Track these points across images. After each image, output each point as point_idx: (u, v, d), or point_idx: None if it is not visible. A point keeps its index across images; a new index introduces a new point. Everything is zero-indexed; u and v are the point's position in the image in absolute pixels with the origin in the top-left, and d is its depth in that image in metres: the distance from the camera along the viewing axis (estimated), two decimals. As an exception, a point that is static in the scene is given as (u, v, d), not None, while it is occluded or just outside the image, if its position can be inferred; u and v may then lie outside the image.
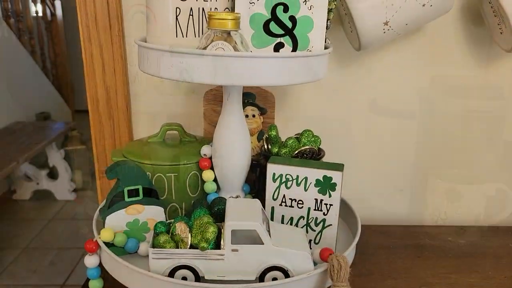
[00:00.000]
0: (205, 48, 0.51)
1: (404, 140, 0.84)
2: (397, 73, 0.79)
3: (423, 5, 0.64)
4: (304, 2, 0.55)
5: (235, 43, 0.52)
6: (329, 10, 0.61)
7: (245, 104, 0.72)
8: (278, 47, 0.56)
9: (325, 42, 0.61)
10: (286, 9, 0.55)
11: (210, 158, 0.65)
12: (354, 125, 0.83)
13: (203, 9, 0.55)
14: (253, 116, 0.73)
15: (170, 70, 0.52)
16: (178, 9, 0.55)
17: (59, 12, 3.20)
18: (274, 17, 0.55)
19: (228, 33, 0.52)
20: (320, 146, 0.68)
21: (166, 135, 0.70)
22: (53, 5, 3.12)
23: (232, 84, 0.51)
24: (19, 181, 2.53)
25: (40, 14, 3.06)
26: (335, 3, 0.62)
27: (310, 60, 0.54)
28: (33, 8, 2.98)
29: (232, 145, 0.61)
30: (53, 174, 2.59)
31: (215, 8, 0.56)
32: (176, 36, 0.56)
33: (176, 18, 0.55)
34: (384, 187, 0.86)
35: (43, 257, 2.02)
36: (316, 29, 0.56)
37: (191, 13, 0.55)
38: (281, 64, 0.52)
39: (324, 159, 0.68)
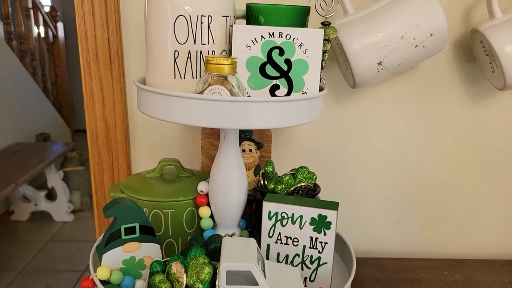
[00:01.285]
0: (202, 92, 0.53)
1: (399, 173, 0.84)
2: (391, 108, 0.81)
3: (416, 46, 0.66)
4: (299, 46, 0.56)
5: (232, 86, 0.54)
6: (324, 52, 0.62)
7: (241, 139, 0.73)
8: (273, 89, 0.58)
9: (320, 81, 0.62)
10: (281, 52, 0.56)
11: (207, 194, 0.66)
12: (350, 158, 0.84)
13: (201, 52, 0.57)
14: (250, 150, 0.74)
15: (168, 112, 0.53)
16: (176, 52, 0.56)
17: (61, 33, 3.24)
18: (270, 60, 0.57)
19: (225, 77, 0.53)
20: (316, 182, 0.69)
21: (164, 170, 0.71)
22: (55, 27, 3.16)
23: (228, 127, 0.52)
24: (17, 202, 2.53)
25: (42, 35, 3.10)
26: (330, 44, 0.63)
27: (305, 103, 0.55)
28: (35, 30, 3.02)
29: (229, 183, 0.62)
30: (51, 195, 2.59)
31: (213, 51, 0.57)
32: (174, 78, 0.57)
33: (175, 61, 0.57)
34: (380, 220, 0.87)
35: (39, 280, 2.01)
36: (311, 72, 0.57)
37: (189, 56, 0.57)
38: (276, 108, 0.53)
39: (321, 194, 0.69)
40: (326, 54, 0.63)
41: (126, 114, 0.81)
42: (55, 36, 3.18)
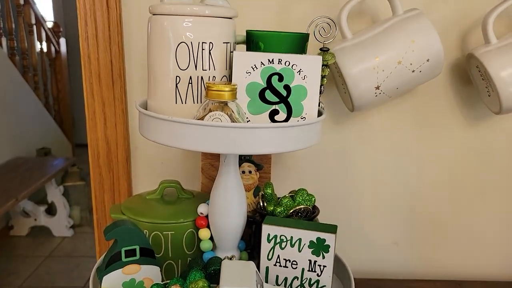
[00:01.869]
0: (203, 117, 0.54)
1: (398, 195, 0.85)
2: (389, 131, 0.82)
3: (413, 71, 0.67)
4: (298, 72, 0.58)
5: (232, 111, 0.55)
6: (323, 77, 0.63)
7: (241, 161, 0.74)
8: (273, 114, 0.59)
9: (319, 106, 0.63)
10: (281, 78, 0.58)
11: (207, 216, 0.66)
12: (348, 180, 0.84)
13: (201, 77, 0.58)
14: (250, 172, 0.75)
15: (169, 137, 0.54)
16: (178, 77, 0.58)
17: (63, 49, 3.27)
18: (269, 85, 0.58)
19: (225, 103, 0.54)
20: (315, 204, 0.70)
21: (164, 191, 0.72)
22: (57, 42, 3.19)
23: (228, 153, 0.53)
24: (17, 217, 2.53)
25: (45, 50, 3.13)
26: (328, 70, 0.65)
27: (304, 128, 0.56)
28: (38, 46, 3.05)
29: (229, 206, 0.63)
30: (51, 210, 2.59)
31: (213, 76, 0.58)
32: (176, 103, 0.58)
33: (176, 86, 0.58)
34: (380, 240, 0.87)
35: (37, 296, 2.00)
36: (310, 97, 0.58)
37: (190, 81, 0.58)
38: (276, 133, 0.54)
39: (320, 215, 0.70)
40: (325, 79, 0.64)
41: (128, 134, 0.82)
42: (58, 52, 3.21)
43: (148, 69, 0.61)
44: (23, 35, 2.81)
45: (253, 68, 0.57)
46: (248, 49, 0.63)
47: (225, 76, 0.60)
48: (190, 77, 0.58)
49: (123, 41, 0.78)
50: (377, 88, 0.68)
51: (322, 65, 0.61)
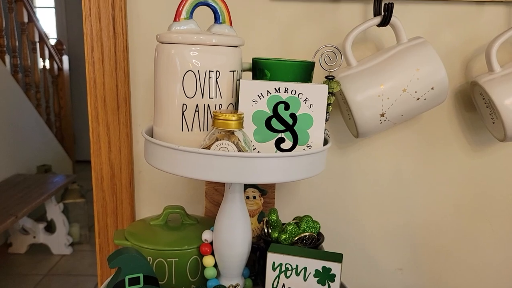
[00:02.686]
0: (209, 146, 0.54)
1: (402, 221, 0.85)
2: (393, 156, 0.82)
3: (417, 99, 0.67)
4: (305, 101, 0.58)
5: (238, 139, 0.55)
6: (328, 105, 0.64)
7: (246, 186, 0.74)
8: (279, 142, 0.59)
9: (324, 133, 0.64)
10: (287, 107, 0.58)
11: (211, 243, 0.66)
12: (353, 205, 0.84)
13: (208, 105, 0.58)
14: (254, 197, 0.74)
15: (175, 166, 0.54)
16: (184, 105, 0.58)
17: (66, 66, 3.29)
18: (275, 114, 0.58)
19: (232, 132, 0.54)
20: (319, 230, 0.69)
21: (168, 216, 0.71)
22: (60, 60, 3.22)
23: (235, 182, 0.53)
24: (15, 234, 2.51)
25: (47, 67, 3.15)
26: (333, 97, 0.65)
27: (310, 157, 0.56)
28: (41, 63, 3.07)
29: (233, 234, 0.63)
30: (50, 228, 2.57)
31: (220, 104, 0.59)
32: (182, 130, 0.58)
33: (183, 114, 0.58)
34: (384, 266, 0.87)
35: (35, 316, 1.97)
36: (316, 126, 0.59)
37: (197, 109, 0.58)
38: (282, 162, 0.54)
39: (324, 243, 0.70)
40: (330, 106, 0.64)
41: (132, 158, 0.82)
42: (60, 69, 3.23)
43: (154, 96, 0.61)
44: (27, 52, 2.83)
45: (259, 97, 0.58)
46: (254, 77, 0.64)
47: (231, 104, 0.60)
48: (197, 105, 0.58)
49: (129, 66, 0.79)
50: (382, 115, 0.68)
51: (328, 93, 0.61)
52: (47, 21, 3.92)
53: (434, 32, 0.77)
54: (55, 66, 3.19)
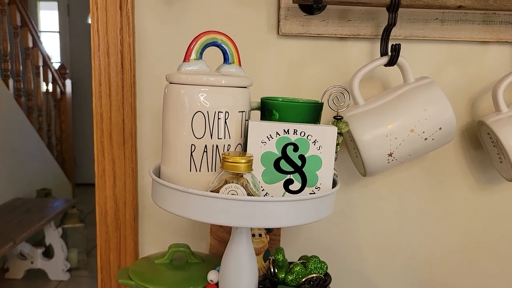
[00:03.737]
0: (218, 189, 0.53)
1: (408, 258, 0.84)
2: (400, 193, 0.81)
3: (425, 139, 0.67)
4: (314, 143, 0.58)
5: (247, 182, 0.55)
6: (336, 145, 0.63)
7: (252, 224, 0.73)
8: (287, 183, 0.58)
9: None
10: (296, 148, 0.58)
11: (217, 283, 0.64)
12: (359, 243, 0.83)
13: (217, 146, 0.58)
14: (260, 235, 0.73)
15: (183, 208, 0.54)
16: (193, 145, 0.58)
17: (68, 90, 3.31)
18: (284, 155, 0.58)
19: (241, 174, 0.54)
20: (327, 271, 0.68)
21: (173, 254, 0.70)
22: (63, 84, 3.24)
23: (244, 226, 0.53)
24: (13, 260, 2.47)
25: (50, 90, 3.17)
26: (342, 137, 0.65)
27: (319, 200, 0.56)
28: (44, 87, 3.09)
29: (240, 275, 0.61)
30: (48, 253, 2.54)
31: (229, 145, 0.58)
32: (190, 171, 0.58)
33: (191, 154, 0.58)
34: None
35: None
36: (325, 167, 0.58)
37: (205, 150, 0.58)
38: (291, 206, 0.53)
39: (332, 284, 0.68)
40: (339, 146, 0.64)
41: (136, 193, 0.81)
42: (63, 93, 3.25)
43: (162, 135, 0.61)
44: (30, 76, 2.85)
45: (268, 138, 0.57)
46: (262, 117, 0.64)
47: (240, 144, 0.60)
48: (205, 146, 0.58)
49: (136, 101, 0.79)
50: (390, 155, 0.68)
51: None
52: (51, 44, 3.96)
53: (439, 70, 0.77)
54: (58, 90, 3.20)
